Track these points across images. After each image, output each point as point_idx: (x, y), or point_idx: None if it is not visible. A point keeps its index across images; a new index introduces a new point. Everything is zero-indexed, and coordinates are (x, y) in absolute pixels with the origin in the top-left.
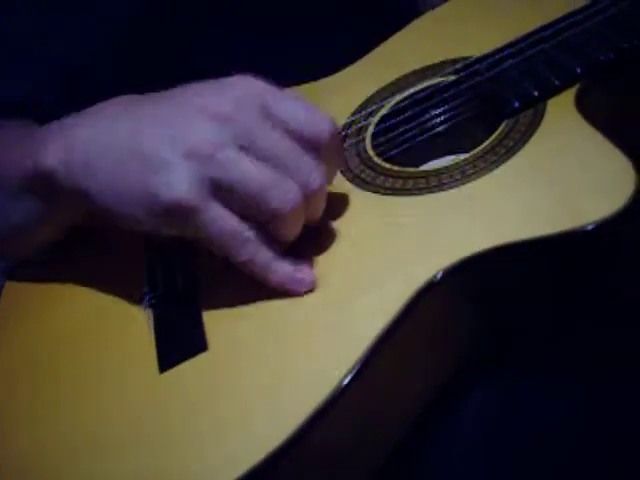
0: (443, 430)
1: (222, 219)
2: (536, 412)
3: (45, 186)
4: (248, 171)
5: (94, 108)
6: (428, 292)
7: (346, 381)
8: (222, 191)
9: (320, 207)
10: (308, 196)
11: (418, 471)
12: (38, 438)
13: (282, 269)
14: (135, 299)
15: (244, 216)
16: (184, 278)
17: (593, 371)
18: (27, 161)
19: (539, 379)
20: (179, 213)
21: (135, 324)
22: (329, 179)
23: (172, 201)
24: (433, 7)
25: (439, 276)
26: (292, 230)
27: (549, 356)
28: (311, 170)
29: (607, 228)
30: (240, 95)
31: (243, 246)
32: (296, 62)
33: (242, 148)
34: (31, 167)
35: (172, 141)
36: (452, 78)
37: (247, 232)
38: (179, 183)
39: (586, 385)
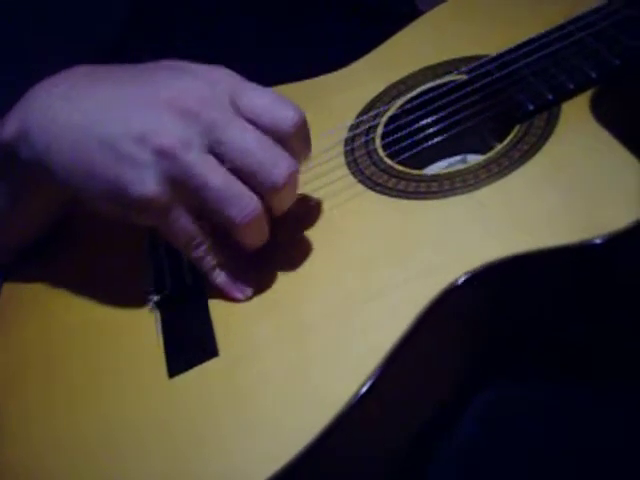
0: (446, 434)
1: (183, 221)
2: (540, 415)
3: (8, 160)
4: (209, 178)
5: (47, 85)
6: (442, 301)
7: (365, 388)
8: (185, 192)
9: (286, 202)
10: (270, 194)
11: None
12: (39, 440)
13: (221, 278)
14: (141, 298)
15: (204, 216)
16: (192, 276)
17: (601, 376)
18: None
19: (544, 382)
20: (146, 209)
21: (141, 324)
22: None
23: (144, 198)
24: (432, 5)
25: (454, 284)
26: (251, 240)
27: (555, 360)
28: (275, 166)
29: (625, 238)
30: (209, 87)
31: (194, 248)
32: (294, 60)
33: (208, 145)
34: None
35: (142, 136)
36: (463, 78)
37: (200, 237)
38: (150, 181)
39: (594, 389)
